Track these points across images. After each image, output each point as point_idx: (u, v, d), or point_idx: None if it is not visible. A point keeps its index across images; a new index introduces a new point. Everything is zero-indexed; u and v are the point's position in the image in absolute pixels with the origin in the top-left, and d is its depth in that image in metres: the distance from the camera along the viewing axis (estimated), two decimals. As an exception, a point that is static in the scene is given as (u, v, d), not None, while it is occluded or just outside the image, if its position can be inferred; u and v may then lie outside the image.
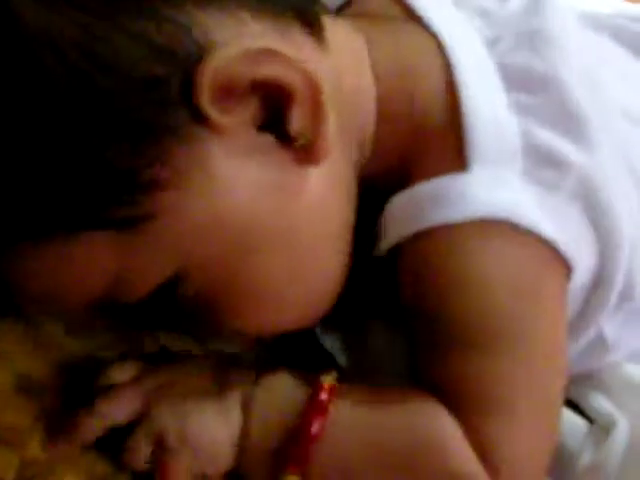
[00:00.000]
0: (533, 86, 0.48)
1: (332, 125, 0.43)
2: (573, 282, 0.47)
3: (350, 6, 0.55)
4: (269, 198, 0.44)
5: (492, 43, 0.50)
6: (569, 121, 0.47)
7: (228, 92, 0.41)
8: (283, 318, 0.47)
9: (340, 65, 0.47)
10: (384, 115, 0.49)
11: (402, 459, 0.45)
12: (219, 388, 0.47)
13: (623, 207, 0.47)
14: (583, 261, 0.47)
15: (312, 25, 0.46)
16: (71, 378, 0.48)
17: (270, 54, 0.42)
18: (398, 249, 0.47)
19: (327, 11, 0.51)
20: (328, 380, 0.46)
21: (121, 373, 0.47)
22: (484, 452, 0.44)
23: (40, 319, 0.49)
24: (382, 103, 0.49)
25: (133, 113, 0.39)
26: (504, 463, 0.44)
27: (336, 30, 0.49)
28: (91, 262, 0.42)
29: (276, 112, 0.43)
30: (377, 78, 0.49)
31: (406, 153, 0.48)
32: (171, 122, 0.40)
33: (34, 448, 0.45)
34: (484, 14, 0.52)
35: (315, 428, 0.45)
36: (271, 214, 0.44)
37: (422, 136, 0.48)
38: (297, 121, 0.43)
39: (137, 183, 0.40)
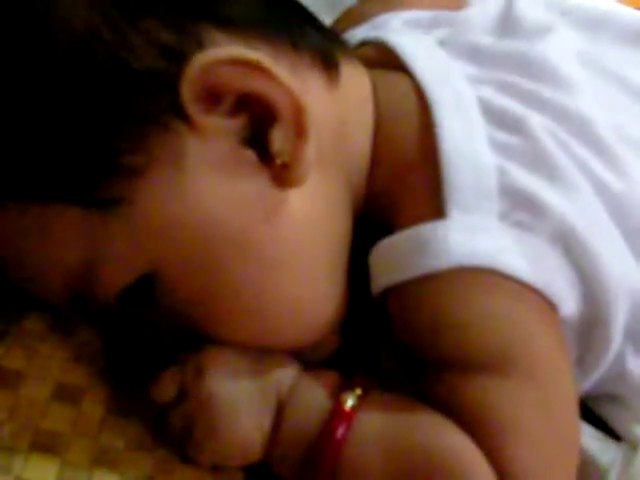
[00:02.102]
0: (511, 126, 0.48)
1: (312, 151, 0.44)
2: (565, 320, 0.47)
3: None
4: (238, 211, 0.44)
5: (475, 80, 0.50)
6: (544, 161, 0.47)
7: (214, 95, 0.43)
8: (261, 334, 0.47)
9: (346, 101, 0.49)
10: (376, 157, 0.50)
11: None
12: (256, 384, 0.47)
13: (607, 249, 0.46)
14: (567, 300, 0.46)
15: (327, 65, 0.48)
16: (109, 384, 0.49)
17: (257, 68, 0.43)
18: (387, 293, 0.48)
19: (348, 49, 0.52)
20: (354, 393, 0.46)
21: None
22: (503, 475, 0.43)
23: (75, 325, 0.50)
24: (374, 148, 0.50)
25: (124, 97, 0.41)
26: None
27: (350, 72, 0.50)
28: (65, 237, 0.43)
29: (261, 130, 0.44)
30: (376, 119, 0.50)
31: (390, 196, 0.49)
32: (156, 112, 0.42)
33: (74, 453, 0.46)
34: (472, 51, 0.52)
35: (339, 433, 0.45)
36: (238, 227, 0.44)
37: (403, 179, 0.48)
38: (278, 140, 0.44)
39: (114, 165, 0.42)
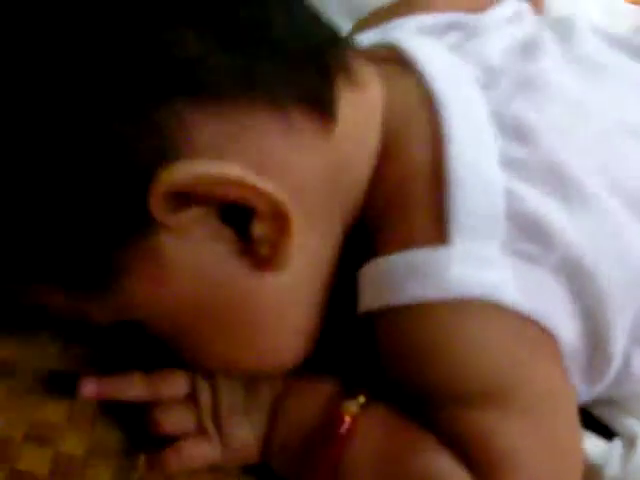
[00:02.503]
0: (523, 135, 0.45)
1: (294, 243, 0.43)
2: (565, 347, 0.45)
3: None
4: (220, 289, 0.43)
5: (487, 88, 0.48)
6: (558, 180, 0.45)
7: (187, 198, 0.40)
8: (243, 371, 0.48)
9: (346, 139, 0.45)
10: (378, 173, 0.47)
11: None
12: (257, 389, 0.48)
13: (612, 274, 0.44)
14: (567, 331, 0.45)
15: (321, 109, 0.44)
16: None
17: (228, 181, 0.40)
18: (374, 315, 0.46)
19: (357, 72, 0.47)
20: (357, 401, 0.46)
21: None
22: None
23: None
24: (379, 161, 0.47)
25: (102, 206, 0.40)
26: None
27: (353, 101, 0.46)
28: (51, 299, 0.44)
29: (241, 212, 0.42)
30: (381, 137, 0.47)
31: (390, 212, 0.46)
32: (131, 218, 0.40)
33: (68, 444, 0.46)
34: (483, 62, 0.50)
35: (340, 443, 0.45)
36: (220, 303, 0.44)
37: (406, 195, 0.45)
38: (258, 232, 0.42)
39: (93, 263, 0.41)
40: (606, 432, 0.50)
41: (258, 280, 0.44)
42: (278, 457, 0.47)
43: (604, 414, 0.51)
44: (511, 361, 0.44)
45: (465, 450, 0.43)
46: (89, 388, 0.46)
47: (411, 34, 0.54)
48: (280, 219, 0.42)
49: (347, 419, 0.45)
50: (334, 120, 0.44)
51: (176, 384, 0.47)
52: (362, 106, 0.47)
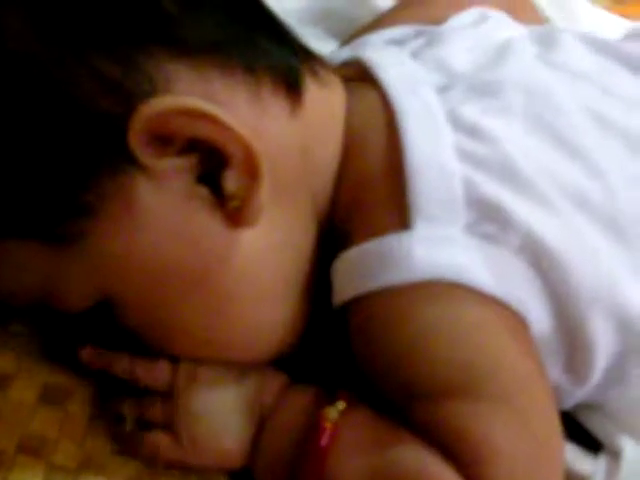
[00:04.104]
0: (479, 135, 0.47)
1: (264, 194, 0.44)
2: (535, 329, 0.46)
3: None
4: (191, 247, 0.44)
5: (444, 89, 0.50)
6: (514, 172, 0.46)
7: (164, 140, 0.42)
8: (215, 356, 0.48)
9: (311, 125, 0.48)
10: (342, 173, 0.49)
11: None
12: (241, 398, 0.48)
13: (579, 260, 0.45)
14: (535, 313, 0.46)
15: (290, 87, 0.47)
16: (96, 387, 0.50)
17: (205, 117, 0.42)
18: (347, 307, 0.47)
19: (323, 68, 0.51)
20: (337, 407, 0.46)
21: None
22: None
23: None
24: (342, 161, 0.49)
25: (74, 137, 0.41)
26: None
27: (319, 92, 0.49)
28: (23, 266, 0.44)
29: (214, 168, 0.44)
30: (345, 133, 0.50)
31: (355, 208, 0.48)
32: (107, 154, 0.42)
33: (61, 456, 0.46)
34: (442, 61, 0.52)
35: (322, 448, 0.45)
36: (191, 264, 0.44)
37: (369, 191, 0.48)
38: (230, 183, 0.43)
39: (68, 204, 0.42)
40: (592, 443, 0.51)
41: (230, 238, 0.45)
42: (261, 465, 0.47)
43: (593, 424, 0.51)
44: (484, 347, 0.44)
45: (443, 442, 0.43)
46: (87, 352, 0.48)
47: (376, 47, 0.57)
48: (250, 165, 0.43)
49: (327, 426, 0.45)
50: (300, 102, 0.47)
51: (156, 375, 0.48)
52: (326, 101, 0.50)
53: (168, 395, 0.48)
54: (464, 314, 0.45)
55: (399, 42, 0.57)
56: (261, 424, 0.47)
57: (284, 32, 0.50)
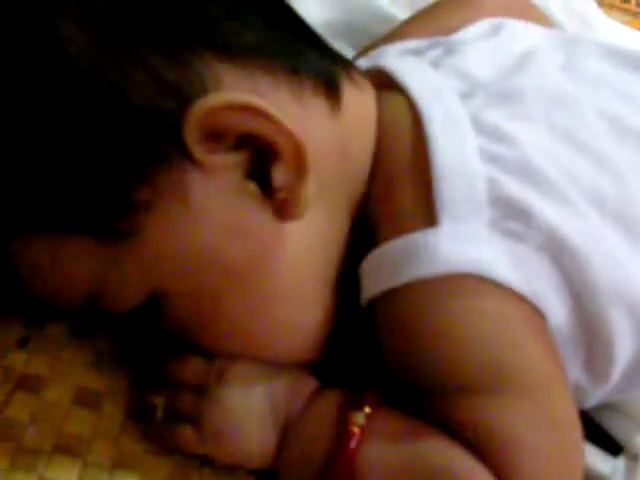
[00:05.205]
0: (502, 138, 0.49)
1: (312, 188, 0.46)
2: (554, 326, 0.47)
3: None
4: (241, 242, 0.46)
5: (467, 95, 0.52)
6: (535, 173, 0.48)
7: (217, 136, 0.44)
8: (254, 353, 0.49)
9: (349, 126, 0.50)
10: (373, 173, 0.51)
11: None
12: (268, 402, 0.49)
13: (599, 256, 0.47)
14: (556, 309, 0.47)
15: (329, 89, 0.49)
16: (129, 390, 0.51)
17: (257, 111, 0.44)
18: (374, 305, 0.48)
19: (357, 73, 0.53)
20: (363, 412, 0.47)
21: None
22: None
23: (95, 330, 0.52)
24: (373, 163, 0.51)
25: (131, 135, 0.43)
26: None
27: (355, 95, 0.51)
28: (77, 263, 0.46)
29: (264, 164, 0.46)
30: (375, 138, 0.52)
31: (383, 208, 0.50)
32: (162, 150, 0.44)
33: (95, 455, 0.47)
34: (463, 70, 0.54)
35: (349, 453, 0.46)
36: (240, 257, 0.46)
37: (396, 191, 0.49)
38: (279, 177, 0.46)
39: (124, 200, 0.44)
40: (611, 446, 0.51)
41: (278, 232, 0.47)
42: (287, 469, 0.48)
43: (612, 425, 0.52)
44: (509, 342, 0.46)
45: (469, 437, 0.45)
46: None
47: (394, 57, 0.59)
48: (298, 159, 0.45)
49: (355, 431, 0.46)
50: (339, 104, 0.49)
51: (189, 369, 0.49)
52: (362, 104, 0.52)
53: (200, 390, 0.49)
54: (489, 308, 0.46)
55: (415, 52, 0.59)
56: (286, 429, 0.49)
57: (320, 39, 0.52)
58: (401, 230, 0.47)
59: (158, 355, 0.51)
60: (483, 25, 0.60)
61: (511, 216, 0.46)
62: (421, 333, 0.46)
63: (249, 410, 0.49)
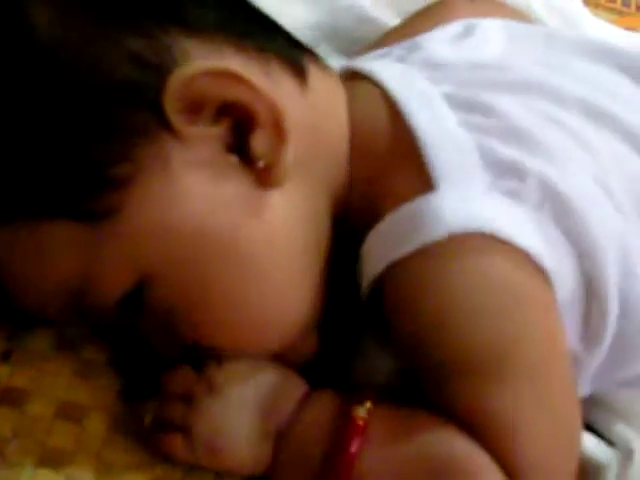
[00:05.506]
0: (481, 110, 0.49)
1: (291, 153, 0.46)
2: (561, 291, 0.47)
3: None
4: (224, 213, 0.46)
5: (437, 81, 0.52)
6: (519, 135, 0.48)
7: (196, 106, 0.45)
8: (241, 336, 0.49)
9: (317, 106, 0.50)
10: (355, 154, 0.51)
11: None
12: (258, 412, 0.49)
13: (593, 211, 0.47)
14: (562, 270, 0.47)
15: (295, 68, 0.50)
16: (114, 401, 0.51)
17: (235, 78, 0.45)
18: (381, 282, 0.48)
19: (322, 61, 0.54)
20: (365, 406, 0.47)
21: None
22: (512, 474, 0.44)
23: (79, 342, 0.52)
24: (352, 143, 0.51)
25: (109, 110, 0.43)
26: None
27: (321, 77, 0.52)
28: (59, 251, 0.45)
29: (243, 136, 0.46)
30: (350, 121, 0.52)
31: (375, 188, 0.49)
32: (141, 123, 0.44)
33: (78, 468, 0.47)
34: (429, 61, 0.55)
35: (354, 447, 0.46)
36: (225, 228, 0.46)
37: (385, 169, 0.49)
38: (259, 144, 0.46)
39: (102, 177, 0.44)
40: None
41: (259, 201, 0.47)
42: (283, 475, 0.48)
43: (601, 422, 0.52)
44: (512, 319, 0.45)
45: (469, 422, 0.45)
46: None
47: (359, 60, 0.60)
48: (277, 125, 0.45)
49: (360, 424, 0.46)
50: (306, 84, 0.49)
51: (178, 380, 0.49)
52: (328, 85, 0.52)
53: (188, 399, 0.49)
54: (498, 269, 0.46)
55: (382, 56, 0.60)
56: (279, 433, 0.48)
57: (283, 28, 0.53)
58: (401, 200, 0.47)
59: (147, 364, 0.51)
60: (455, 27, 0.60)
61: (506, 175, 0.46)
62: (424, 309, 0.46)
63: (240, 418, 0.48)
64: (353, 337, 0.52)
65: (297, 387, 0.50)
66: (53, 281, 0.46)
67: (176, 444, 0.48)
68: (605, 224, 0.47)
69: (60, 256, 0.45)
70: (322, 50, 0.66)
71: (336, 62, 0.64)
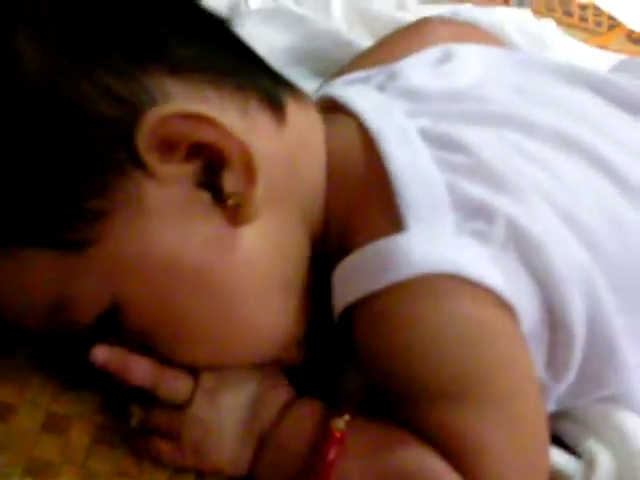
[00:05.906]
0: (452, 146, 0.50)
1: (261, 192, 0.47)
2: (527, 321, 0.48)
3: None
4: (196, 248, 0.47)
5: (413, 114, 0.53)
6: (489, 173, 0.49)
7: (169, 145, 0.46)
8: (218, 358, 0.50)
9: (294, 140, 0.51)
10: (330, 189, 0.52)
11: None
12: (243, 418, 0.50)
13: (557, 247, 0.48)
14: (526, 304, 0.48)
15: (273, 104, 0.51)
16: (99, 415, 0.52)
17: (206, 120, 0.46)
18: (349, 313, 0.49)
19: (301, 94, 0.55)
20: (343, 418, 0.49)
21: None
22: None
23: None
24: (329, 175, 0.53)
25: (86, 146, 0.45)
26: None
27: (299, 112, 0.53)
28: (34, 277, 0.46)
29: (214, 173, 0.47)
30: (327, 154, 0.53)
31: (347, 222, 0.51)
32: (116, 160, 0.45)
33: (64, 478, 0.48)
34: (406, 91, 0.56)
35: (331, 455, 0.48)
36: (196, 263, 0.47)
37: (358, 204, 0.51)
38: (229, 184, 0.47)
39: (77, 209, 0.45)
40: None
41: (231, 237, 0.48)
42: (265, 478, 0.50)
43: (568, 433, 0.53)
44: (480, 349, 0.47)
45: (441, 444, 0.46)
46: (101, 353, 0.49)
47: (339, 86, 0.61)
48: (247, 165, 0.47)
49: (337, 435, 0.48)
50: (284, 119, 0.50)
51: (175, 388, 0.50)
52: (307, 119, 0.53)
53: (174, 405, 0.50)
54: (464, 309, 0.47)
55: (361, 81, 0.61)
56: (262, 437, 0.50)
57: (264, 61, 0.54)
58: (371, 237, 0.48)
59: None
60: (434, 52, 0.62)
61: (473, 217, 0.48)
62: (394, 344, 0.48)
63: (226, 421, 0.50)
64: (338, 350, 0.53)
65: (281, 394, 0.51)
66: (30, 302, 0.48)
67: (163, 446, 0.50)
68: (568, 258, 0.49)
69: (36, 280, 0.47)
70: (297, 72, 0.68)
71: (311, 85, 0.66)
